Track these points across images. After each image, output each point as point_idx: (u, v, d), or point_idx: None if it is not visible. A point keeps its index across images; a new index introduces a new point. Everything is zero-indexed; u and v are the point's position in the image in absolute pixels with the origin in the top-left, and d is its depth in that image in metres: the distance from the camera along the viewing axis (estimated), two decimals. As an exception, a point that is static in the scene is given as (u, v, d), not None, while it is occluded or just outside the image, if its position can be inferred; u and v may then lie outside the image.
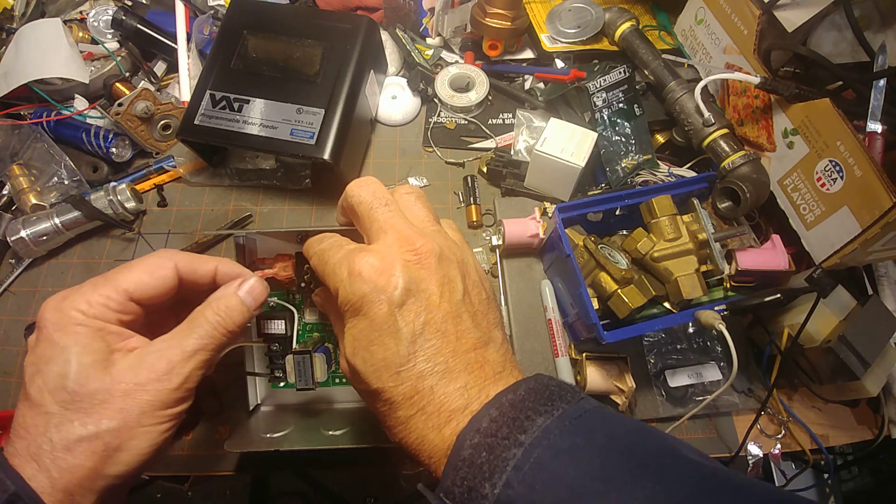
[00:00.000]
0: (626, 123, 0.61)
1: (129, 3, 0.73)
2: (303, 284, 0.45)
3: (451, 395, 0.29)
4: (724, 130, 0.55)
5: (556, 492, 0.24)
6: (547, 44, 0.68)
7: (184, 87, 0.66)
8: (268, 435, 0.45)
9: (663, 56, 0.62)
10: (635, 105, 0.62)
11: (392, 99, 0.68)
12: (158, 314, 0.38)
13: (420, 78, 0.68)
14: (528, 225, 0.56)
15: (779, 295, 0.46)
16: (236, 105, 0.56)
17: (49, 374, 0.31)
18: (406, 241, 0.31)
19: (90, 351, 0.31)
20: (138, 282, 0.34)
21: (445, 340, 0.30)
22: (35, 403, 0.30)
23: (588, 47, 0.67)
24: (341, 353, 0.32)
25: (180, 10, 0.68)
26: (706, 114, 0.55)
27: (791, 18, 0.54)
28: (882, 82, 0.50)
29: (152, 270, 0.34)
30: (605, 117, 0.62)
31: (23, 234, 0.56)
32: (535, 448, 0.25)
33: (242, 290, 0.36)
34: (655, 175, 0.59)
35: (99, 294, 0.33)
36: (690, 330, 0.55)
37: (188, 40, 0.67)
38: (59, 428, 0.30)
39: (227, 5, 0.66)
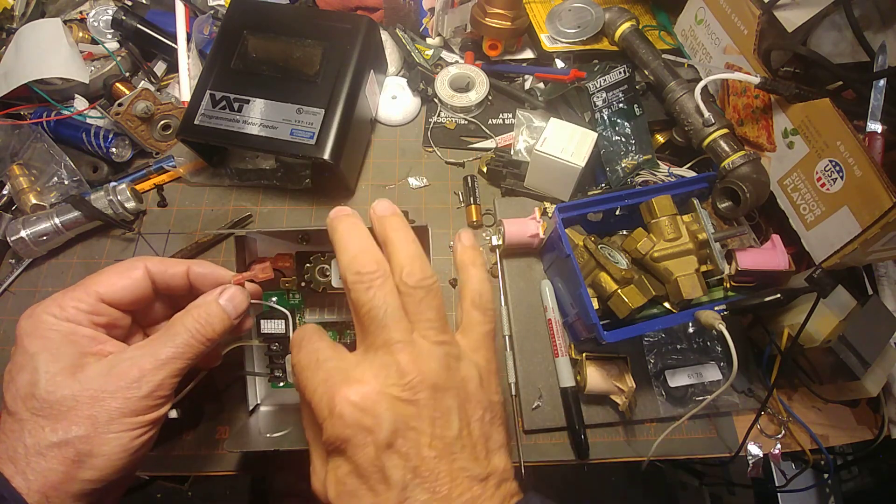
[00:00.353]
0: (626, 123, 0.61)
1: (129, 3, 0.73)
2: (303, 284, 0.45)
3: None
4: (724, 130, 0.55)
5: None
6: (547, 44, 0.68)
7: (184, 87, 0.66)
8: (268, 435, 0.45)
9: (663, 56, 0.62)
10: (635, 105, 0.62)
11: (392, 99, 0.68)
12: (156, 321, 0.38)
13: (420, 78, 0.68)
14: (528, 225, 0.56)
15: (779, 295, 0.46)
16: (236, 105, 0.56)
17: (20, 382, 0.31)
18: (396, 372, 0.28)
19: (59, 357, 0.31)
20: (108, 282, 0.34)
21: (439, 484, 0.27)
22: (10, 411, 0.31)
23: (588, 47, 0.67)
24: (323, 488, 0.29)
25: (180, 10, 0.68)
26: (706, 114, 0.55)
27: (791, 18, 0.54)
28: (882, 82, 0.50)
29: (121, 272, 0.35)
30: (605, 117, 0.62)
31: (23, 234, 0.56)
32: None
33: (223, 297, 0.36)
34: (655, 175, 0.59)
35: (70, 297, 0.33)
36: (690, 330, 0.55)
37: (188, 40, 0.67)
38: (31, 434, 0.30)
39: (227, 5, 0.66)
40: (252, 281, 0.40)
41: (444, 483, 0.27)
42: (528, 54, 0.71)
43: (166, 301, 0.39)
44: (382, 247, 0.32)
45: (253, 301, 0.40)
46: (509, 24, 0.64)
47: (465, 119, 0.68)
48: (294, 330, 0.46)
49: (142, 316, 0.38)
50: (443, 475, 0.27)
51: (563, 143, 0.55)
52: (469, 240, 0.36)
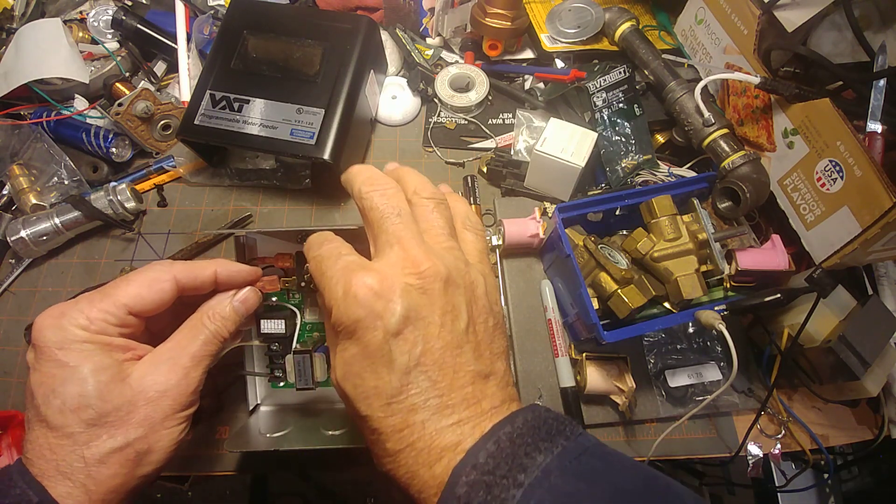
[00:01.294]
0: (626, 123, 0.61)
1: (129, 3, 0.73)
2: (303, 284, 0.45)
3: (443, 431, 0.27)
4: (724, 130, 0.55)
5: None
6: (547, 44, 0.68)
7: (184, 87, 0.66)
8: (268, 435, 0.45)
9: (663, 56, 0.62)
10: (635, 105, 0.62)
11: (392, 99, 0.68)
12: (157, 317, 0.38)
13: (420, 78, 0.68)
14: (528, 225, 0.56)
15: (779, 295, 0.46)
16: (236, 105, 0.56)
17: (68, 396, 0.31)
18: (411, 262, 0.29)
19: (103, 368, 0.32)
20: (136, 296, 0.34)
21: (442, 373, 0.28)
22: (55, 426, 0.31)
23: (588, 47, 0.67)
24: (332, 370, 0.31)
25: (180, 10, 0.68)
26: (706, 114, 0.55)
27: (791, 18, 0.54)
28: (882, 82, 0.50)
29: (150, 284, 0.35)
30: (605, 117, 0.62)
31: (23, 234, 0.56)
32: (535, 489, 0.24)
33: (237, 299, 0.38)
34: (655, 175, 0.59)
35: (98, 310, 0.33)
36: (690, 330, 0.55)
37: (188, 40, 0.67)
38: (88, 445, 0.31)
39: (227, 5, 0.66)
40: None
41: (447, 373, 0.28)
42: (528, 54, 0.71)
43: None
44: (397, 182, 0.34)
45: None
46: (509, 24, 0.64)
47: (465, 119, 0.68)
48: (297, 329, 0.46)
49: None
50: (447, 366, 0.28)
51: (563, 143, 0.55)
52: (446, 187, 0.38)
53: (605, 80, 0.63)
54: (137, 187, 0.61)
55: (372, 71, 0.62)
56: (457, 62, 0.71)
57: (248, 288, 0.39)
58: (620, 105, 0.62)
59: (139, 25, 0.67)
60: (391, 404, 0.28)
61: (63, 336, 0.32)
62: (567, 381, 0.52)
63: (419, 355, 0.28)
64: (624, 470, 0.26)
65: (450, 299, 0.29)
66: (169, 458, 0.34)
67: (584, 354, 0.51)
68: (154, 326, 0.38)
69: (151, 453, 0.33)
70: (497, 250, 0.58)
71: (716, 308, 0.46)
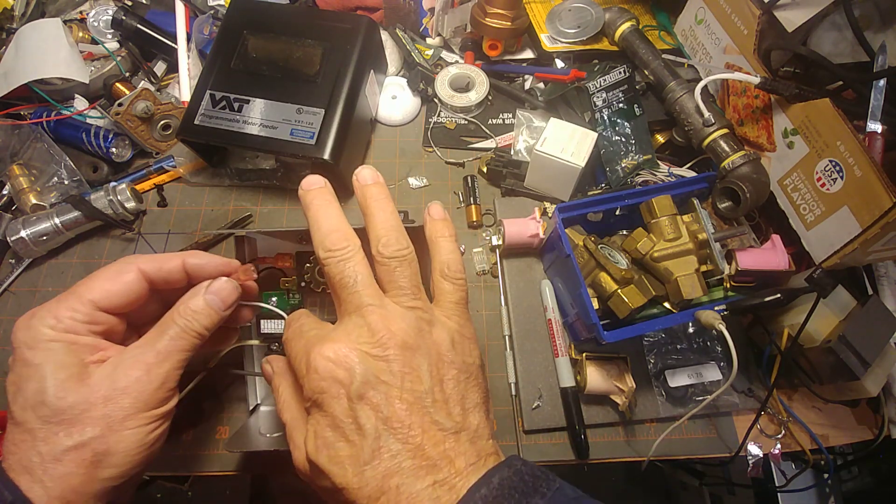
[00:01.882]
0: (626, 123, 0.61)
1: (129, 3, 0.73)
2: (303, 284, 0.45)
3: (419, 495, 0.27)
4: (724, 130, 0.55)
5: None
6: (547, 44, 0.68)
7: (184, 87, 0.66)
8: (268, 435, 0.45)
9: (663, 56, 0.62)
10: (635, 105, 0.62)
11: (392, 99, 0.68)
12: (149, 319, 0.38)
13: (420, 78, 0.68)
14: (528, 225, 0.56)
15: (779, 295, 0.46)
16: (236, 105, 0.56)
17: (28, 392, 0.31)
18: (367, 331, 0.30)
19: (64, 366, 0.32)
20: (102, 290, 0.34)
21: (411, 434, 0.28)
22: (19, 421, 0.31)
23: (588, 47, 0.67)
24: (297, 449, 0.31)
25: (180, 10, 0.68)
26: (706, 114, 0.55)
27: (791, 18, 0.54)
28: (882, 82, 0.50)
29: (114, 277, 0.34)
30: (605, 117, 0.62)
31: (23, 234, 0.56)
32: None
33: (209, 291, 0.36)
34: (655, 175, 0.59)
35: (65, 308, 0.33)
36: (690, 330, 0.55)
37: (188, 40, 0.67)
38: (45, 441, 0.31)
39: (227, 5, 0.66)
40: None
41: (415, 434, 0.28)
42: (528, 54, 0.71)
43: (159, 298, 0.38)
44: (363, 215, 0.34)
45: (251, 304, 0.40)
46: (509, 24, 0.64)
47: (465, 119, 0.68)
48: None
49: (136, 316, 0.38)
50: (415, 426, 0.28)
51: (563, 143, 0.55)
52: (438, 213, 0.37)
53: (605, 80, 0.63)
54: (137, 187, 0.61)
55: (372, 71, 0.62)
56: (457, 62, 0.71)
57: (223, 279, 0.37)
58: (620, 105, 0.62)
59: (139, 25, 0.67)
60: (365, 471, 0.27)
61: (31, 335, 0.32)
62: (567, 381, 0.52)
63: (386, 418, 0.28)
64: None
65: (409, 362, 0.30)
66: (138, 462, 0.32)
67: (584, 354, 0.51)
68: (138, 322, 0.37)
69: (112, 455, 0.31)
70: (497, 250, 0.58)
71: (716, 308, 0.46)
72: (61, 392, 0.31)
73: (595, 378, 0.50)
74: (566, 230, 0.50)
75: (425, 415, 0.29)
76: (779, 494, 0.78)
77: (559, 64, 0.68)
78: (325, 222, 0.33)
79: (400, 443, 0.28)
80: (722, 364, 0.53)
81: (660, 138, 0.64)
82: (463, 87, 0.69)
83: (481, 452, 0.29)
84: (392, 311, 0.31)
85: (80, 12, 0.71)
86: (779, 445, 0.53)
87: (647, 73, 0.63)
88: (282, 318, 0.44)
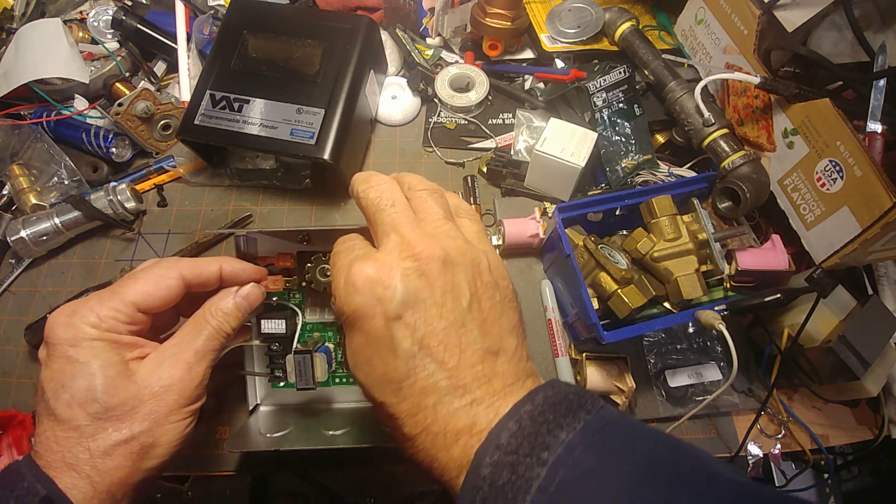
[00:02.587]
0: (626, 123, 0.61)
1: (129, 3, 0.73)
2: (304, 284, 0.45)
3: (456, 413, 0.27)
4: (724, 130, 0.55)
5: None
6: (547, 44, 0.68)
7: (184, 87, 0.66)
8: (268, 435, 0.45)
9: (663, 56, 0.62)
10: (635, 105, 0.62)
11: (392, 99, 0.68)
12: (167, 315, 0.40)
13: (420, 78, 0.68)
14: (528, 225, 0.56)
15: (779, 295, 0.46)
16: (236, 105, 0.56)
17: (76, 390, 0.32)
18: (407, 246, 0.29)
19: (111, 364, 0.33)
20: (144, 293, 0.35)
21: (449, 354, 0.28)
22: (63, 419, 0.32)
23: (588, 47, 0.67)
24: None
25: (180, 10, 0.68)
26: (706, 114, 0.55)
27: (791, 18, 0.54)
28: (882, 82, 0.50)
29: (157, 281, 0.36)
30: (605, 117, 0.62)
31: (23, 234, 0.56)
32: (559, 467, 0.24)
33: (239, 294, 0.38)
34: (655, 175, 0.59)
35: (108, 308, 0.34)
36: (690, 330, 0.55)
37: (188, 40, 0.67)
38: (94, 438, 0.32)
39: (227, 5, 0.66)
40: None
41: (453, 353, 0.28)
42: (528, 54, 0.71)
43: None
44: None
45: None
46: (509, 24, 0.64)
47: (465, 119, 0.68)
48: (299, 329, 0.46)
49: (158, 313, 0.39)
50: (453, 346, 0.28)
51: (563, 143, 0.55)
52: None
53: (605, 80, 0.63)
54: (137, 187, 0.61)
55: (372, 71, 0.62)
56: (457, 62, 0.71)
57: (251, 284, 0.40)
58: (620, 105, 0.62)
59: (139, 25, 0.67)
60: (401, 389, 0.28)
61: (74, 333, 0.33)
62: (567, 380, 0.51)
63: (422, 338, 0.28)
64: (648, 441, 0.26)
65: (450, 278, 0.29)
66: (174, 453, 0.35)
67: (584, 354, 0.51)
68: (157, 322, 0.39)
69: (157, 447, 0.33)
70: (497, 250, 0.58)
71: (716, 308, 0.46)
72: (112, 389, 0.32)
73: (595, 378, 0.50)
74: (566, 230, 0.50)
75: (464, 333, 0.28)
76: (779, 494, 0.78)
77: (559, 64, 0.68)
78: (363, 174, 0.35)
79: (436, 362, 0.28)
80: (722, 364, 0.53)
81: (660, 138, 0.64)
82: (463, 87, 0.69)
83: (520, 374, 0.29)
84: (431, 231, 0.31)
85: (80, 12, 0.71)
86: (779, 445, 0.53)
87: (647, 73, 0.63)
88: (296, 313, 0.46)
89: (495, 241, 0.57)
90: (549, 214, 0.60)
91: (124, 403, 0.33)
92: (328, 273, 0.45)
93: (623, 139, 0.61)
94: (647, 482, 0.23)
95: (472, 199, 0.62)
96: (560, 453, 0.24)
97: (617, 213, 0.53)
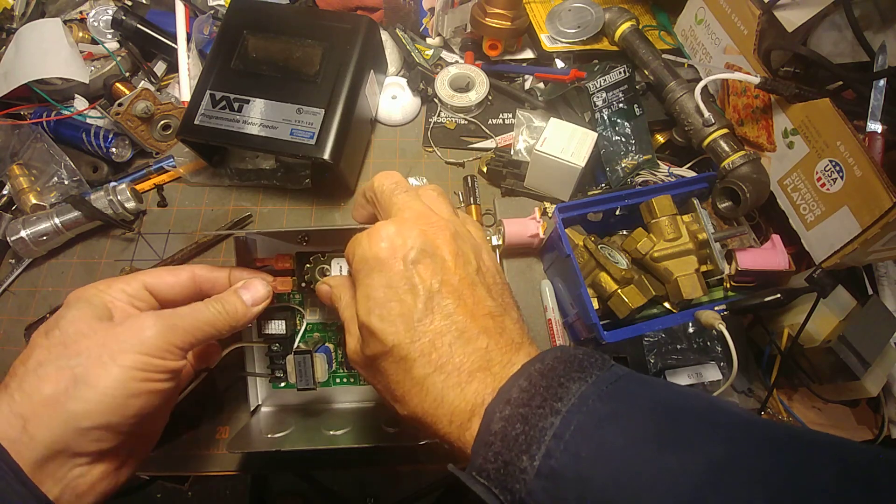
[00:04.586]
0: (626, 123, 0.61)
1: (129, 3, 0.73)
2: (303, 284, 0.45)
3: (472, 355, 0.28)
4: (724, 130, 0.55)
5: (606, 458, 0.22)
6: (547, 44, 0.68)
7: (184, 87, 0.66)
8: (268, 435, 0.45)
9: (663, 56, 0.62)
10: (635, 105, 0.62)
11: (392, 99, 0.68)
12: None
13: (420, 78, 0.68)
14: (528, 225, 0.56)
15: (779, 295, 0.46)
16: (236, 105, 0.56)
17: (50, 322, 0.33)
18: (423, 216, 0.31)
19: (92, 307, 0.33)
20: (155, 275, 0.37)
21: (462, 302, 0.29)
22: (30, 345, 0.32)
23: (588, 47, 0.67)
24: (352, 337, 0.32)
25: (180, 10, 0.68)
26: (706, 114, 0.55)
27: (791, 18, 0.54)
28: (882, 82, 0.50)
29: (169, 270, 0.39)
30: (605, 117, 0.62)
31: (23, 234, 0.56)
32: (574, 415, 0.23)
33: (245, 293, 0.40)
34: (655, 175, 0.59)
35: (117, 280, 0.36)
36: (690, 330, 0.55)
37: (188, 40, 0.67)
38: (35, 357, 0.31)
39: (227, 5, 0.66)
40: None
41: (467, 303, 0.29)
42: (528, 54, 0.71)
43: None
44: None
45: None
46: (509, 24, 0.64)
47: (465, 119, 0.68)
48: (300, 329, 0.46)
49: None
50: (466, 297, 0.29)
51: (563, 143, 0.55)
52: None
53: (605, 80, 0.63)
54: (137, 187, 0.61)
55: (372, 71, 0.62)
56: (457, 62, 0.71)
57: (258, 279, 0.41)
58: (620, 105, 0.62)
59: (139, 25, 0.67)
60: (417, 327, 0.28)
61: (79, 292, 0.35)
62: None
63: (440, 283, 0.29)
64: (661, 389, 0.26)
65: (460, 247, 0.31)
66: (113, 409, 0.30)
67: (584, 354, 0.51)
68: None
69: (88, 386, 0.30)
70: (497, 250, 0.58)
71: (716, 308, 0.46)
72: (75, 322, 0.32)
73: (595, 378, 0.49)
74: (566, 230, 0.50)
75: (475, 290, 0.30)
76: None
77: (559, 64, 0.68)
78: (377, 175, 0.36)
79: (454, 303, 0.29)
80: (722, 364, 0.53)
81: (660, 138, 0.64)
82: (463, 87, 0.69)
83: (524, 335, 0.30)
84: (436, 210, 0.33)
85: (80, 12, 0.71)
86: (779, 445, 0.52)
87: (647, 73, 0.63)
88: (298, 313, 0.47)
89: (495, 241, 0.57)
90: (549, 214, 0.60)
91: (78, 333, 0.31)
92: (328, 273, 0.45)
93: (623, 139, 0.61)
94: (666, 424, 0.23)
95: (472, 198, 0.62)
96: (574, 402, 0.24)
97: (617, 213, 0.53)
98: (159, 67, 0.70)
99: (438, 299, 0.29)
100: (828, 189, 0.48)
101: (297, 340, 0.46)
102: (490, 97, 0.69)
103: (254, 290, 0.40)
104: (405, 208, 0.32)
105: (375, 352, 0.29)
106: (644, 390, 0.25)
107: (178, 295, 0.38)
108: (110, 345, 0.31)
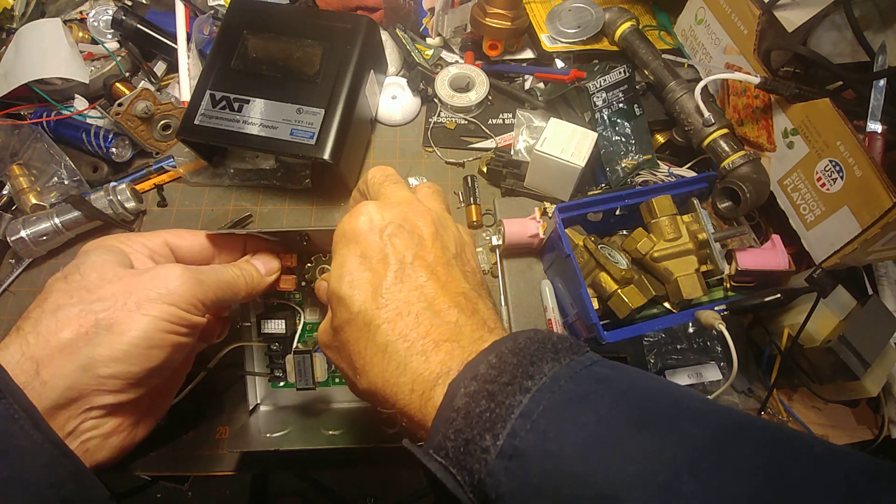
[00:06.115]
0: (626, 123, 0.61)
1: (129, 3, 0.73)
2: (303, 283, 0.45)
3: (440, 327, 0.26)
4: (724, 130, 0.55)
5: (576, 437, 0.20)
6: (547, 44, 0.68)
7: (184, 87, 0.66)
8: (267, 435, 0.45)
9: (663, 56, 0.62)
10: (635, 105, 0.62)
11: (392, 99, 0.68)
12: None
13: (420, 78, 0.68)
14: (528, 225, 0.56)
15: (779, 295, 0.46)
16: (236, 105, 0.56)
17: (69, 267, 0.32)
18: (407, 202, 0.31)
19: (113, 254, 0.33)
20: (177, 233, 0.38)
21: (435, 276, 0.28)
22: (46, 289, 0.31)
23: (588, 47, 0.67)
24: (326, 281, 0.31)
25: (180, 10, 0.68)
26: (706, 114, 0.55)
27: (791, 18, 0.54)
28: (882, 82, 0.50)
29: (190, 231, 0.40)
30: (605, 117, 0.62)
31: (23, 234, 0.56)
32: (544, 394, 0.22)
33: (257, 261, 0.41)
34: (655, 175, 0.59)
35: (139, 234, 0.37)
36: (690, 330, 0.55)
37: (188, 40, 0.67)
38: (55, 300, 0.29)
39: (227, 5, 0.66)
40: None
41: (440, 280, 0.28)
42: (528, 54, 0.71)
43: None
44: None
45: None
46: (509, 24, 0.64)
47: (465, 119, 0.68)
48: (299, 330, 0.46)
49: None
50: (439, 275, 0.29)
51: (563, 143, 0.55)
52: None
53: (605, 80, 0.63)
54: (137, 187, 0.61)
55: (372, 71, 0.62)
56: (457, 62, 0.71)
57: (267, 253, 0.42)
58: (620, 105, 0.62)
59: (139, 25, 0.67)
60: (384, 295, 0.27)
61: (98, 241, 0.35)
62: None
63: (413, 257, 0.29)
64: (640, 375, 0.24)
65: (439, 232, 0.31)
66: (137, 358, 0.29)
67: (584, 354, 0.51)
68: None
69: (112, 333, 0.28)
70: (497, 250, 0.58)
71: (716, 308, 0.46)
72: (99, 268, 0.31)
73: (595, 378, 0.49)
74: (566, 230, 0.50)
75: (450, 271, 0.29)
76: (779, 494, 0.78)
77: (559, 64, 0.68)
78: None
79: (426, 276, 0.28)
80: (722, 364, 0.53)
81: (660, 138, 0.64)
82: (463, 87, 0.69)
83: (498, 321, 0.29)
84: (425, 203, 0.33)
85: (80, 12, 0.71)
86: (779, 445, 0.52)
87: (647, 73, 0.63)
88: (297, 313, 0.46)
89: (495, 241, 0.57)
90: (549, 214, 0.60)
91: (101, 277, 0.30)
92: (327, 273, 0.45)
93: (623, 139, 0.61)
94: (645, 407, 0.21)
95: (472, 198, 0.62)
96: (545, 382, 0.22)
97: (617, 213, 0.53)
98: (159, 67, 0.70)
99: (410, 270, 0.28)
100: (828, 189, 0.48)
101: (297, 340, 0.46)
102: (490, 97, 0.69)
103: (266, 261, 0.41)
104: (391, 195, 0.33)
105: (341, 320, 0.28)
106: (621, 374, 0.24)
107: (197, 255, 0.39)
108: (137, 292, 0.30)
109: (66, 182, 0.60)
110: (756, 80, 0.51)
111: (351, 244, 0.29)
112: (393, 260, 0.28)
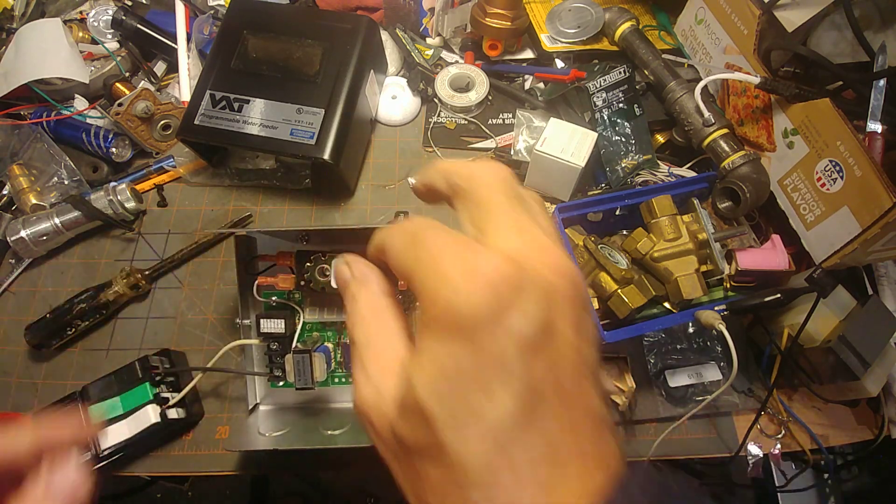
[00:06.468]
0: (626, 123, 0.61)
1: (129, 3, 0.73)
2: (302, 283, 0.45)
3: (552, 491, 0.17)
4: (724, 130, 0.55)
5: None
6: (547, 44, 0.68)
7: (184, 87, 0.66)
8: (267, 434, 0.45)
9: (663, 56, 0.62)
10: (635, 105, 0.62)
11: (392, 99, 0.68)
12: None
13: (420, 78, 0.68)
14: (527, 225, 0.56)
15: (779, 295, 0.46)
16: (236, 105, 0.56)
17: None
18: (547, 252, 0.19)
19: None
20: None
21: (567, 411, 0.18)
22: None
23: (588, 47, 0.67)
24: (368, 382, 0.20)
25: (180, 10, 0.68)
26: (706, 114, 0.55)
27: (791, 18, 0.54)
28: (882, 82, 0.49)
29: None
30: (605, 117, 0.62)
31: (23, 234, 0.56)
32: None
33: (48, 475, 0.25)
34: (655, 175, 0.59)
35: None
36: (690, 330, 0.55)
37: (188, 40, 0.67)
38: None
39: (227, 5, 0.66)
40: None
41: (574, 398, 0.18)
42: (528, 54, 0.71)
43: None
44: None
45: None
46: (509, 24, 0.64)
47: (465, 119, 0.68)
48: (298, 329, 0.46)
49: None
50: (573, 394, 0.18)
51: (563, 143, 0.55)
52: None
53: (605, 80, 0.63)
54: (137, 187, 0.61)
55: (372, 71, 0.62)
56: (457, 62, 0.71)
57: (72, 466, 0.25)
58: (620, 105, 0.62)
59: (139, 25, 0.67)
60: (506, 448, 0.17)
61: None
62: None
63: (552, 385, 0.18)
64: None
65: (581, 311, 0.19)
66: None
67: (583, 354, 0.50)
68: None
69: None
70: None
71: (716, 308, 0.46)
72: None
73: (595, 378, 0.49)
74: (566, 230, 0.50)
75: (582, 383, 0.18)
76: (779, 494, 0.78)
77: (559, 64, 0.68)
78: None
79: (556, 421, 0.17)
80: (722, 364, 0.53)
81: (660, 138, 0.64)
82: (463, 87, 0.69)
83: (617, 454, 0.19)
84: (545, 231, 0.20)
85: (80, 12, 0.71)
86: (779, 445, 0.52)
87: (647, 73, 0.63)
88: (297, 312, 0.45)
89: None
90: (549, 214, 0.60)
91: None
92: (327, 273, 0.45)
93: (623, 139, 0.61)
94: None
95: (471, 199, 0.62)
96: None
97: (617, 213, 0.53)
98: (159, 67, 0.70)
99: (543, 411, 0.17)
100: (828, 189, 0.48)
101: (296, 340, 0.46)
102: (490, 97, 0.69)
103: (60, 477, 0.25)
104: (519, 227, 0.19)
105: (418, 443, 0.19)
106: None
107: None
108: None
109: (66, 182, 0.60)
110: (756, 80, 0.51)
111: (460, 337, 0.17)
112: (523, 392, 0.17)
